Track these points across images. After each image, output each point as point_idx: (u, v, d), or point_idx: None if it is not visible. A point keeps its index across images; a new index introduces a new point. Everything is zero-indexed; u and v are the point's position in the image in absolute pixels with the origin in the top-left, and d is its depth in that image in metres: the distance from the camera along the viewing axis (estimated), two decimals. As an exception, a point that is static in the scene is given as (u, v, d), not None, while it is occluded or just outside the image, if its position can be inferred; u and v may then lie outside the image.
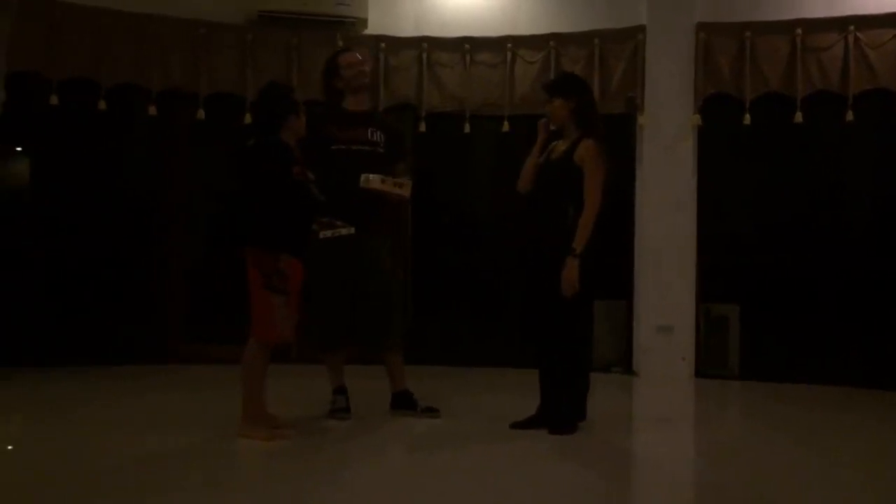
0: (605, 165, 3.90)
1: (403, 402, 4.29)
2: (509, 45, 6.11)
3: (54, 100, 5.75)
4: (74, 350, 5.70)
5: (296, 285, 3.73)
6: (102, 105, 5.84)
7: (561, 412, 3.94)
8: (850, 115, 5.56)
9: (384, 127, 4.38)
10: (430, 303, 6.21)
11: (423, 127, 6.08)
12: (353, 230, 4.13)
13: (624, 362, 6.08)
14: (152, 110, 5.92)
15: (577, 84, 4.17)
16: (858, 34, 5.58)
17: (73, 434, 3.83)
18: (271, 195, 3.69)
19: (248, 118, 5.98)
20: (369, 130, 4.26)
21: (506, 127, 6.07)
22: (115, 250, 6.00)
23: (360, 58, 4.42)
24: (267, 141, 3.76)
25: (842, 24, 5.62)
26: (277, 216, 3.68)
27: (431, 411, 4.26)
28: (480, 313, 6.33)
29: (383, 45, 6.12)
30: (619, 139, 6.06)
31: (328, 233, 4.14)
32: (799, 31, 5.69)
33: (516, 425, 3.99)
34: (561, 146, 4.05)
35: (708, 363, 5.92)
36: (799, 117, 5.66)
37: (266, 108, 3.87)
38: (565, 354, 3.95)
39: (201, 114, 5.99)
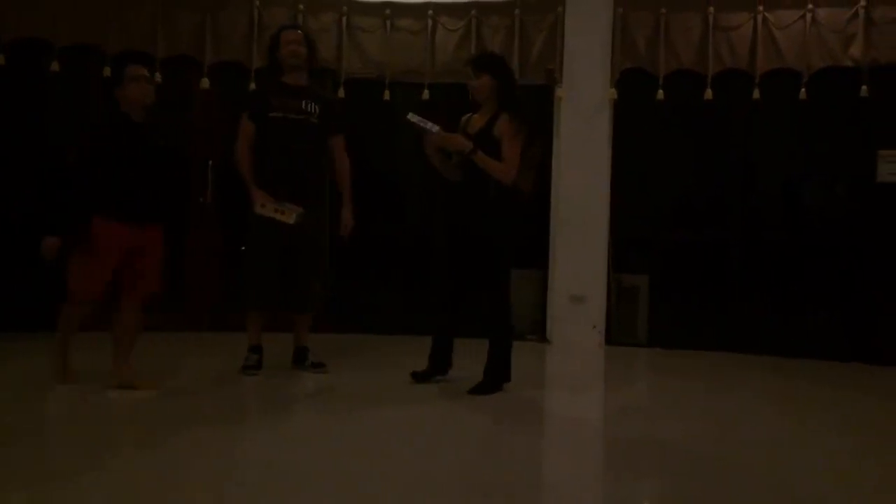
0: (524, 139, 4.09)
1: (298, 357, 4.62)
2: (430, 12, 6.07)
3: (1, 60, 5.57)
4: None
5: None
6: (1, 60, 5.56)
7: (486, 375, 4.18)
8: (756, 94, 5.77)
9: (320, 100, 4.58)
10: (350, 271, 6.19)
11: (342, 92, 6.00)
12: (292, 219, 4.29)
13: (539, 330, 6.21)
14: (107, 71, 5.62)
15: (502, 63, 4.38)
16: (766, 14, 5.77)
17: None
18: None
19: (204, 83, 5.84)
20: (304, 102, 4.48)
21: (426, 95, 6.05)
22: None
23: (297, 36, 4.57)
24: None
25: (751, 4, 5.79)
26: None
27: (319, 366, 4.60)
28: (402, 282, 6.35)
29: (302, 6, 5.99)
30: (538, 111, 6.16)
31: (265, 210, 4.30)
32: (711, 9, 5.84)
33: (416, 375, 4.31)
34: (478, 120, 4.18)
35: (618, 331, 6.11)
36: (709, 94, 5.83)
37: None
38: (490, 321, 4.19)
39: (108, 72, 5.73)
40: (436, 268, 4.27)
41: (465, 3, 6.08)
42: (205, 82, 5.91)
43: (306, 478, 2.85)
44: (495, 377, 4.17)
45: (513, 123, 4.06)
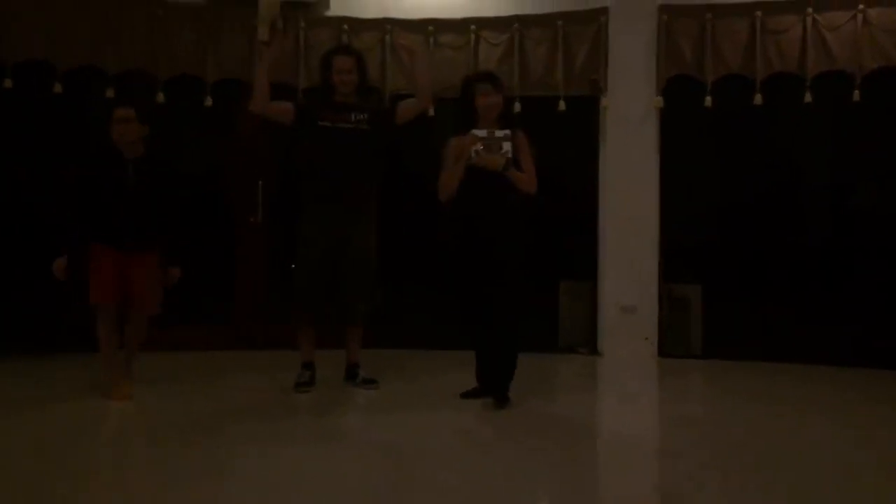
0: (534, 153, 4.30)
1: (350, 373, 4.67)
2: (473, 27, 6.09)
3: (8, 83, 5.65)
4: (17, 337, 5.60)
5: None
6: (58, 88, 5.71)
7: (506, 386, 4.19)
8: (808, 97, 5.65)
9: (368, 109, 4.71)
10: (393, 285, 6.21)
11: (387, 108, 6.04)
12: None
13: (590, 343, 6.14)
14: (110, 92, 5.77)
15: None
16: (816, 16, 5.66)
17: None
18: None
19: (208, 101, 5.92)
20: (353, 114, 4.59)
21: (470, 109, 6.05)
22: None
23: (349, 64, 4.64)
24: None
25: (800, 7, 5.69)
26: None
27: (371, 382, 4.62)
28: (442, 296, 6.34)
29: (346, 26, 6.06)
30: (584, 121, 6.13)
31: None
32: (759, 13, 5.75)
33: (466, 395, 4.33)
34: None
35: (671, 343, 6.00)
36: (759, 99, 5.74)
37: None
38: (508, 328, 4.19)
39: (161, 97, 5.88)
40: (460, 283, 4.28)
41: (507, 17, 6.09)
42: (253, 104, 5.99)
43: (323, 491, 2.86)
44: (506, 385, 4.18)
45: (528, 140, 4.27)
